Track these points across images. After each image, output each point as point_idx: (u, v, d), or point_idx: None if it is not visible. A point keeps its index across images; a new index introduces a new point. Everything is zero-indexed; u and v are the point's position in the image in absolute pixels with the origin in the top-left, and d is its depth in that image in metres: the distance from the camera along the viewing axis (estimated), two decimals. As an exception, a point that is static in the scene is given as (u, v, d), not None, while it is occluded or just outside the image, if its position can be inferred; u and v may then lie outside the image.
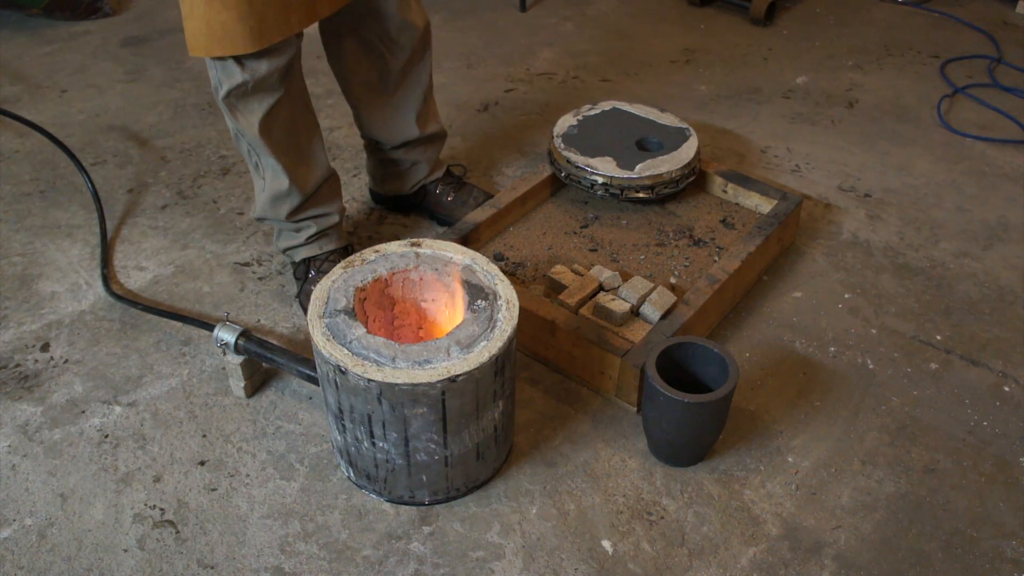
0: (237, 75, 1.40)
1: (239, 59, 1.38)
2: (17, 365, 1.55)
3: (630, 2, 3.04)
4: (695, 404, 1.28)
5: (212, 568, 1.24)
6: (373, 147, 1.84)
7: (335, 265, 1.64)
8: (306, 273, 1.66)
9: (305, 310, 1.64)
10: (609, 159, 1.81)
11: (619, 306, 1.52)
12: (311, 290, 1.63)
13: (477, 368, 1.16)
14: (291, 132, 1.53)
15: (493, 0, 3.00)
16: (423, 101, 1.75)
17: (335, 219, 1.67)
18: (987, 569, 1.26)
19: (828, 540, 1.29)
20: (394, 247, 1.35)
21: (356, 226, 1.91)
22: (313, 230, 1.64)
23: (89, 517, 1.30)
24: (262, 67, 1.40)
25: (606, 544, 1.28)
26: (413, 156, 1.82)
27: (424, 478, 1.28)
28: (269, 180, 1.56)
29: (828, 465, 1.41)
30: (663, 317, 1.51)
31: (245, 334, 1.43)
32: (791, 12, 2.98)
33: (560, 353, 1.52)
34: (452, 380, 1.15)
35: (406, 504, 1.32)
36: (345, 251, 1.71)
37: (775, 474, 1.39)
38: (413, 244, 1.35)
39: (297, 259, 1.68)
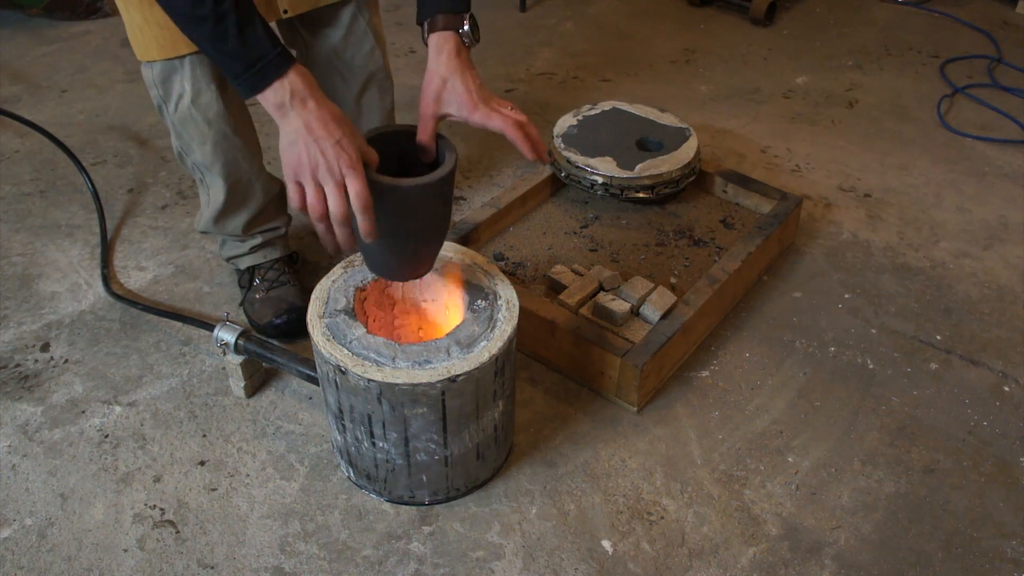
0: (175, 88, 1.38)
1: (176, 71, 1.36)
2: (17, 365, 1.55)
3: (630, 2, 3.04)
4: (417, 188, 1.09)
5: (212, 568, 1.24)
6: None
7: (280, 273, 1.63)
8: (250, 282, 1.64)
9: (250, 319, 1.62)
10: (609, 159, 1.81)
11: (619, 306, 1.52)
12: (255, 298, 1.61)
13: (477, 368, 1.16)
14: (236, 155, 1.50)
15: (493, 0, 3.00)
16: None
17: (281, 231, 1.65)
18: (987, 569, 1.26)
19: (828, 540, 1.29)
20: (394, 247, 1.35)
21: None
22: (259, 240, 1.62)
23: (89, 517, 1.30)
24: (200, 82, 1.37)
25: (606, 544, 1.28)
26: None
27: (424, 478, 1.28)
28: (214, 197, 1.53)
29: (828, 465, 1.41)
30: (663, 317, 1.51)
31: (245, 334, 1.43)
32: (791, 12, 2.99)
33: (560, 353, 1.52)
34: (452, 380, 1.15)
35: (406, 504, 1.32)
36: (290, 259, 1.68)
37: (775, 474, 1.39)
38: (413, 244, 1.35)
39: (242, 267, 1.66)
